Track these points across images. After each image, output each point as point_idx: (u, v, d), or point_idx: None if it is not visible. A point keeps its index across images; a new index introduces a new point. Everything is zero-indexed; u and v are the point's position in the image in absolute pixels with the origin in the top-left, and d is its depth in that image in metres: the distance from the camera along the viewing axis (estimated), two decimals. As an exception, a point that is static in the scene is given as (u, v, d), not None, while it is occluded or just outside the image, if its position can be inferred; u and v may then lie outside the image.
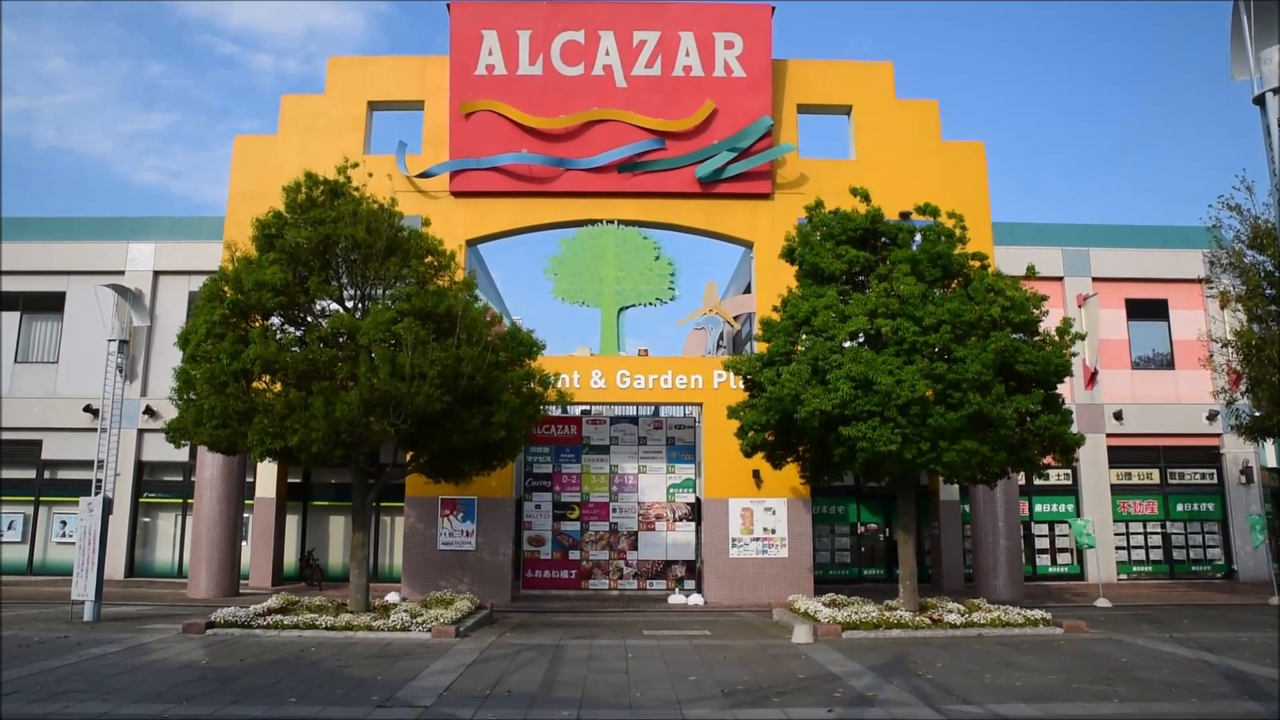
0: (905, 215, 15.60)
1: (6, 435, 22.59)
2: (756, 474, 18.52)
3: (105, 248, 23.11)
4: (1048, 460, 15.13)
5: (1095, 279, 23.75)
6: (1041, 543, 23.62)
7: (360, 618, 13.56)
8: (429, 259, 14.88)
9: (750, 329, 20.78)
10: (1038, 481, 22.11)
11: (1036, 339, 14.41)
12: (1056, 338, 14.53)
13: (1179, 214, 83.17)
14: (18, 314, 23.37)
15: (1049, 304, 15.15)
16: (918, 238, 15.18)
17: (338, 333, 13.70)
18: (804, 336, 14.51)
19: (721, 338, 26.87)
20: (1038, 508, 23.59)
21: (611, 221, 19.91)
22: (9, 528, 22.63)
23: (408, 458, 15.52)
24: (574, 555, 20.83)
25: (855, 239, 15.17)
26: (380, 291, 14.59)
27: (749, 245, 20.43)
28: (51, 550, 22.60)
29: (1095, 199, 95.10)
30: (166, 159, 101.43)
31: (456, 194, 19.82)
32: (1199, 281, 22.24)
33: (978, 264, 15.08)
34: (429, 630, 13.19)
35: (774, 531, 18.96)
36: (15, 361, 23.15)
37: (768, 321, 15.43)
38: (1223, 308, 19.63)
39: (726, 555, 18.87)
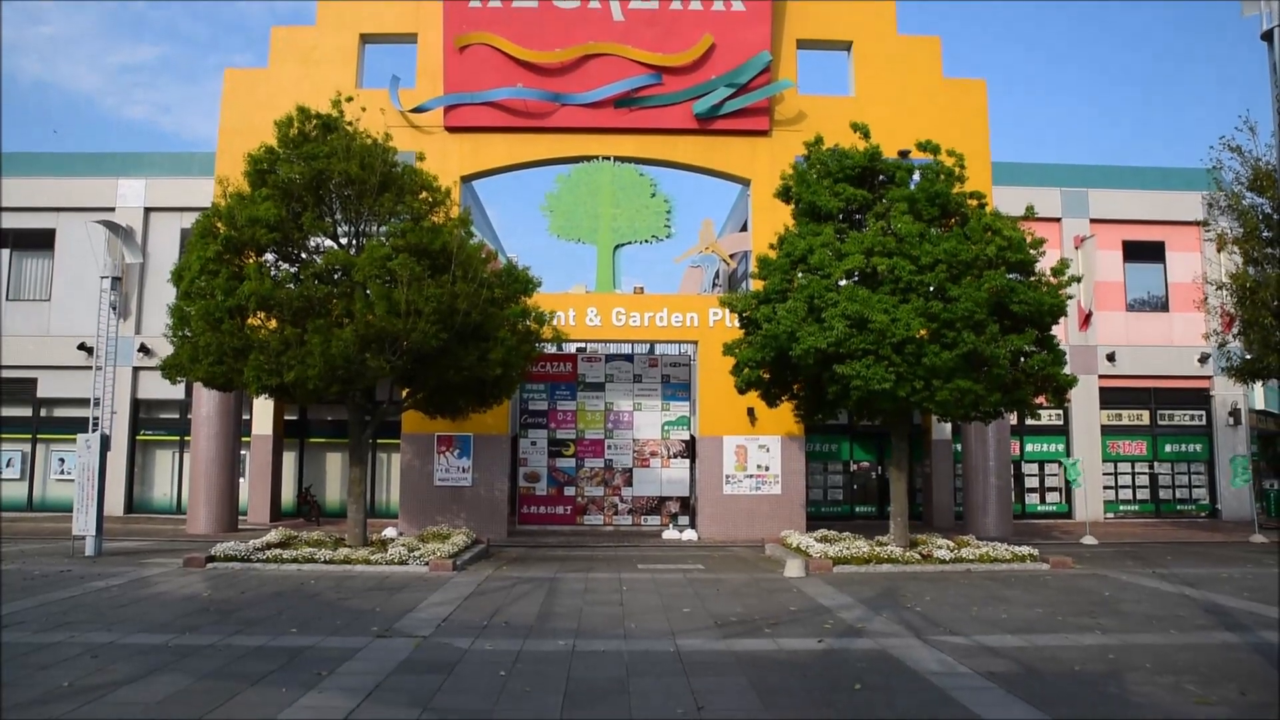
0: (904, 154, 15.45)
1: (2, 374, 22.59)
2: (751, 412, 18.64)
3: (95, 184, 22.81)
4: (1040, 400, 15.25)
5: (1093, 220, 23.66)
6: (1031, 482, 23.94)
7: (358, 552, 13.75)
8: (423, 195, 14.75)
9: (746, 267, 20.72)
10: (1029, 421, 22.31)
11: (1032, 279, 14.42)
12: (1052, 278, 14.53)
13: (1181, 156, 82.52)
14: (7, 251, 23.16)
15: (1046, 245, 15.11)
16: (916, 176, 15.07)
17: (332, 269, 13.65)
18: (800, 274, 14.47)
19: (717, 276, 26.81)
20: (1029, 447, 23.85)
21: (608, 158, 19.68)
22: (8, 465, 22.77)
23: (404, 394, 15.58)
24: (569, 491, 21.07)
25: (853, 177, 15.06)
26: (375, 228, 14.49)
27: (746, 183, 20.26)
28: (51, 487, 22.78)
29: (1096, 140, 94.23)
30: (155, 93, 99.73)
31: (451, 129, 19.55)
32: (1197, 224, 22.17)
33: (975, 203, 14.99)
34: (426, 564, 13.39)
35: (767, 469, 19.16)
36: (7, 299, 23.03)
37: (764, 259, 15.39)
38: (1219, 250, 19.60)
39: (720, 492, 19.09)
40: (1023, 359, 14.30)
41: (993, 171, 19.95)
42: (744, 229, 21.38)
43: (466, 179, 19.91)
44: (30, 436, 22.86)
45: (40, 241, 23.18)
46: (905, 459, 15.62)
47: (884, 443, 22.40)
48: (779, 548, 15.95)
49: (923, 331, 13.34)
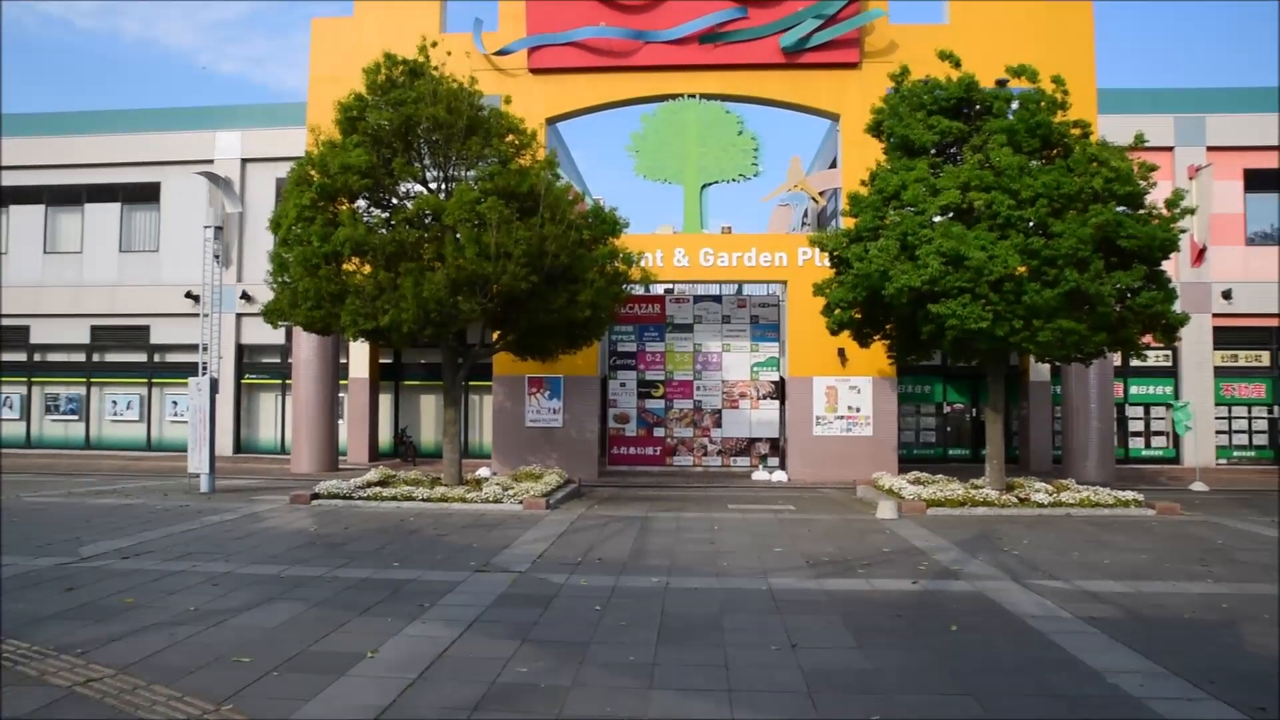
0: (1002, 83, 14.71)
1: (118, 321, 23.94)
2: (841, 352, 18.37)
3: (194, 138, 23.56)
4: (1147, 340, 14.57)
5: (1210, 148, 22.19)
6: (1136, 425, 23.00)
7: (454, 490, 14.15)
8: (510, 138, 14.77)
9: (836, 205, 20.23)
10: (1134, 362, 21.36)
11: (1141, 212, 13.65)
12: (1164, 210, 13.73)
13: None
14: (119, 205, 24.24)
15: (1156, 176, 14.23)
16: (1014, 105, 14.35)
17: (423, 214, 13.84)
18: (892, 211, 14.03)
19: (806, 214, 26.26)
20: (1133, 389, 22.89)
21: (693, 96, 19.33)
22: (127, 408, 24.16)
23: (495, 337, 15.82)
24: (659, 432, 21.22)
25: (947, 109, 14.44)
26: (463, 172, 14.59)
27: (835, 118, 19.67)
28: (166, 428, 24.09)
29: (1216, 62, 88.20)
30: (246, 47, 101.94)
31: (535, 71, 19.46)
32: (1329, 147, 20.62)
33: (1079, 133, 14.21)
34: (520, 502, 13.70)
35: (858, 410, 18.89)
36: (120, 251, 24.17)
37: (855, 196, 14.96)
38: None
39: (810, 433, 18.94)
40: (1129, 296, 13.62)
41: (1099, 99, 18.90)
42: (833, 166, 20.83)
43: (551, 121, 19.84)
44: (146, 381, 24.14)
45: (147, 195, 24.17)
46: (1001, 400, 15.17)
47: (979, 384, 21.84)
48: (870, 490, 15.79)
49: (1022, 269, 12.82)
